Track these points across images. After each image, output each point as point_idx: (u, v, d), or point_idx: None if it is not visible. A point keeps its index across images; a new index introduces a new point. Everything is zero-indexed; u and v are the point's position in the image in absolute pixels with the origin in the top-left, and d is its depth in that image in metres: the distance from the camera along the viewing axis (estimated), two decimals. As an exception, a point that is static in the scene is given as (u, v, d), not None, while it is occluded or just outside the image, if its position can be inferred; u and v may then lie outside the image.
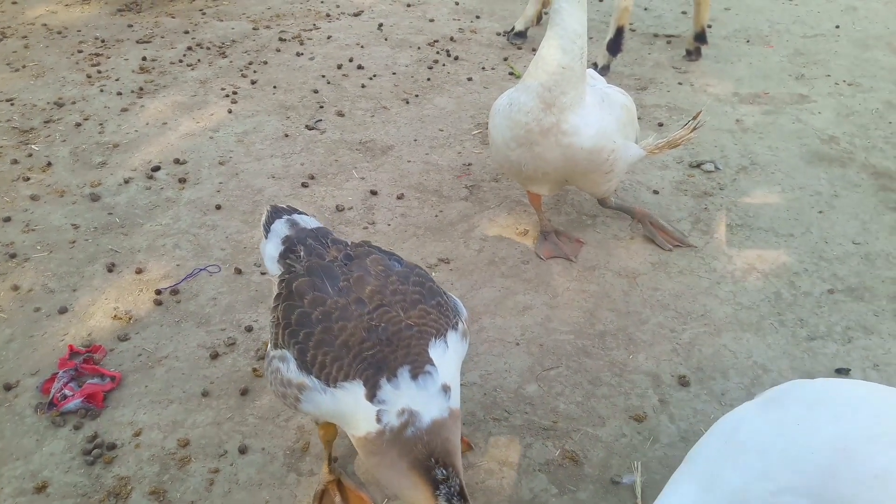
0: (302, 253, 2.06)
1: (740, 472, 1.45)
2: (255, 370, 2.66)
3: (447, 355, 1.83)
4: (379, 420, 1.70)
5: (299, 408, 1.86)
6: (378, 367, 1.73)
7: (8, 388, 2.58)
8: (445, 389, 1.75)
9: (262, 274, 3.11)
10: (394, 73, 4.71)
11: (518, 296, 2.96)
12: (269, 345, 2.01)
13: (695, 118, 3.05)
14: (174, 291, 3.04)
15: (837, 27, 5.19)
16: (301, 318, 1.85)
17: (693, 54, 4.73)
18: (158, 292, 3.03)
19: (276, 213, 2.27)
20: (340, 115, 4.27)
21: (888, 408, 1.53)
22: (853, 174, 3.62)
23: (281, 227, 2.19)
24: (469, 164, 3.81)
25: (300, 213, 2.28)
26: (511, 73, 4.65)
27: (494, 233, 3.32)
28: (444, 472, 1.62)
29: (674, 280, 3.00)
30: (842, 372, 2.55)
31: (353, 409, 1.74)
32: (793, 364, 2.61)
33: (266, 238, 2.21)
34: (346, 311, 1.83)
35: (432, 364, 1.76)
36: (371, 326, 1.80)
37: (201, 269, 3.17)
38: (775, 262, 3.08)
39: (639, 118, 4.04)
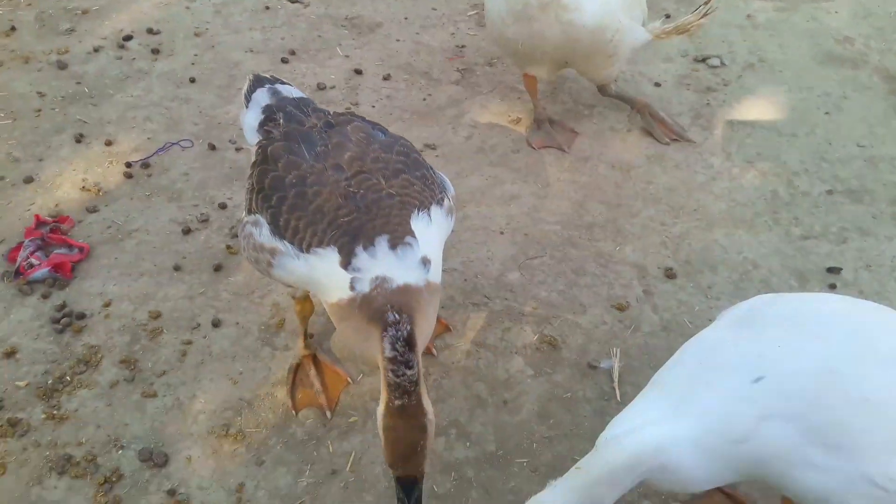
0: (281, 120, 1.96)
1: (718, 394, 1.39)
2: (228, 247, 2.56)
3: (430, 229, 1.75)
4: (353, 288, 1.62)
5: (272, 273, 1.79)
6: (354, 234, 1.65)
7: (-30, 254, 2.47)
8: (425, 262, 1.67)
9: (238, 150, 2.96)
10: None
11: (506, 185, 2.84)
12: (244, 211, 1.92)
13: (706, 2, 2.84)
14: (145, 165, 2.89)
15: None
16: (274, 183, 1.76)
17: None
18: (128, 165, 2.88)
19: (258, 82, 2.16)
20: (327, -11, 3.99)
21: (866, 324, 1.47)
22: (865, 77, 3.44)
23: (262, 96, 2.09)
24: (462, 47, 3.59)
25: (283, 82, 2.17)
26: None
27: (485, 119, 3.16)
28: (395, 315, 1.55)
29: (669, 174, 2.88)
30: (833, 271, 2.49)
31: (326, 275, 1.67)
32: (784, 262, 2.53)
33: (247, 108, 2.10)
34: (322, 175, 1.73)
35: (413, 236, 1.67)
36: (349, 193, 1.70)
37: (173, 143, 3.00)
38: (775, 160, 2.96)
39: (644, 6, 3.82)
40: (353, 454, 2.00)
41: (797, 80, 3.41)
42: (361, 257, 1.62)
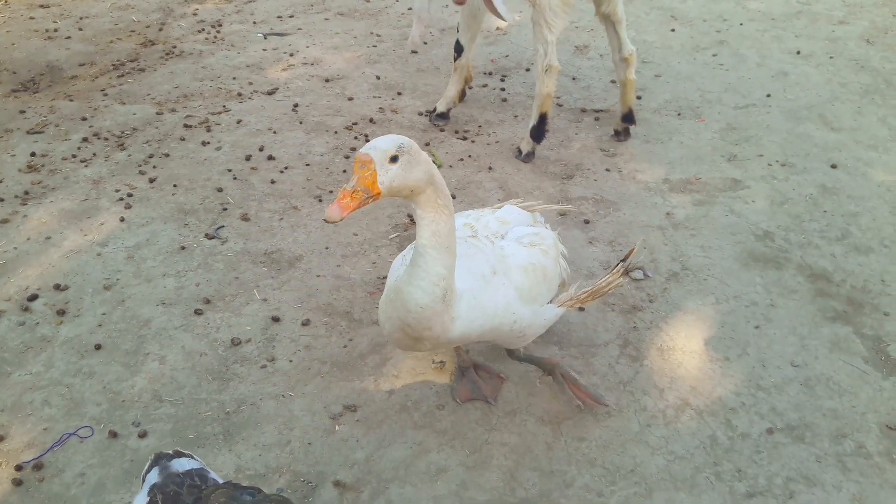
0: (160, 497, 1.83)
1: None
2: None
3: None
4: None
5: None
6: None
7: None
8: None
9: (140, 437, 2.74)
10: (307, 165, 4.39)
11: (431, 454, 2.64)
12: None
13: (625, 259, 2.77)
14: (37, 466, 2.64)
15: (769, 96, 5.06)
16: None
17: (621, 135, 4.52)
18: (19, 468, 2.63)
19: (156, 461, 2.02)
20: (245, 219, 3.92)
21: None
22: (789, 277, 3.41)
23: (153, 476, 1.95)
24: (383, 278, 3.50)
25: (181, 455, 2.03)
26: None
27: (408, 367, 3.01)
28: None
29: (601, 424, 2.73)
30: (784, 543, 2.30)
31: None
32: (731, 532, 2.35)
33: (141, 489, 1.96)
34: None
35: None
36: None
37: (71, 434, 2.77)
38: (710, 395, 2.83)
39: (562, 215, 3.81)
40: None
41: (723, 289, 3.36)
42: None
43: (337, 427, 2.76)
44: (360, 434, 2.73)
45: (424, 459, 2.62)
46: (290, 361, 3.06)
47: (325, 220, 1.72)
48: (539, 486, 2.51)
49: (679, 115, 4.88)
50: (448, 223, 2.10)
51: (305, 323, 3.24)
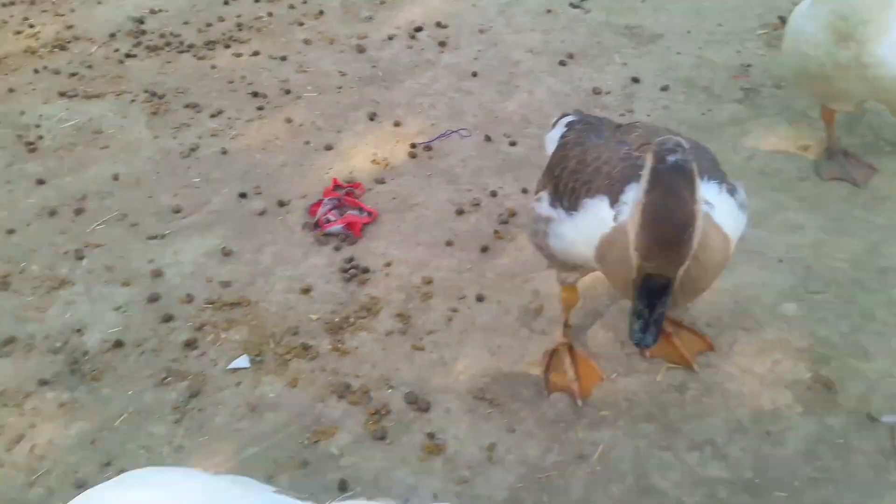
0: (579, 126, 2.06)
1: None
2: (496, 232, 2.68)
3: (720, 197, 1.69)
4: (615, 219, 1.65)
5: (548, 244, 1.87)
6: (627, 180, 1.67)
7: (281, 204, 2.85)
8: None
9: (511, 144, 3.09)
10: (675, -38, 4.32)
11: (788, 212, 2.67)
12: (534, 195, 2.05)
13: None
14: (427, 147, 3.12)
15: None
16: (560, 160, 1.91)
17: None
18: (413, 146, 3.13)
19: (573, 112, 2.26)
20: (610, -4, 4.02)
21: None
22: None
23: (567, 119, 2.19)
24: (748, 66, 3.43)
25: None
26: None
27: (769, 143, 3.00)
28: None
29: None
30: None
31: (593, 224, 1.69)
32: None
33: (552, 128, 2.23)
34: (605, 149, 1.83)
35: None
36: (629, 156, 1.75)
37: (453, 131, 3.21)
38: None
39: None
40: (601, 446, 2.01)
41: None
42: (630, 194, 1.62)
43: (691, 173, 2.87)
44: (714, 182, 2.82)
45: (782, 215, 2.66)
46: (648, 115, 3.19)
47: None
48: (905, 261, 2.44)
49: None
50: None
51: (664, 88, 3.33)
